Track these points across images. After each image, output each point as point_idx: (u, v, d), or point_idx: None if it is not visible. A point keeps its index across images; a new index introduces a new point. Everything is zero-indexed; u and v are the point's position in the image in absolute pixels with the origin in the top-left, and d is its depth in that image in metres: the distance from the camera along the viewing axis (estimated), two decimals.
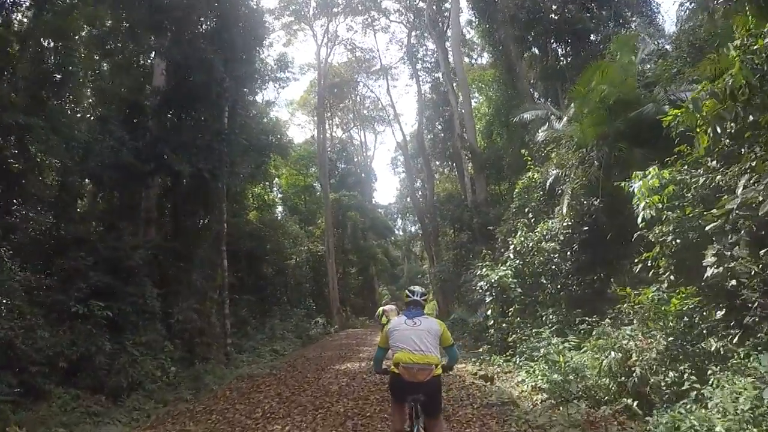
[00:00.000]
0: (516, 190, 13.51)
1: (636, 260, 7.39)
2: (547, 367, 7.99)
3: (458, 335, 16.73)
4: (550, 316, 9.91)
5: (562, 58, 20.51)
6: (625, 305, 7.23)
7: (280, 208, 40.83)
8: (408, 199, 38.02)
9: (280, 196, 41.90)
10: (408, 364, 3.82)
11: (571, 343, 8.37)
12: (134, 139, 14.07)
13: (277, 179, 39.01)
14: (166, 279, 14.99)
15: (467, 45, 28.93)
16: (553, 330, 9.07)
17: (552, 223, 10.83)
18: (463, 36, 27.02)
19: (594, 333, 7.92)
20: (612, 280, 9.38)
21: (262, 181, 33.19)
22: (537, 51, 21.85)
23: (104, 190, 15.54)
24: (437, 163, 30.41)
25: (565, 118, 13.02)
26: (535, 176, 12.78)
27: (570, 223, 10.45)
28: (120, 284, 10.71)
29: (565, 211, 10.35)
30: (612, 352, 6.54)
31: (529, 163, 13.35)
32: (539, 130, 13.82)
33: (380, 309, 15.39)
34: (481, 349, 11.86)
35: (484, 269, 11.08)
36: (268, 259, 28.07)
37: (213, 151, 15.99)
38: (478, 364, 11.04)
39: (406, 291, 4.41)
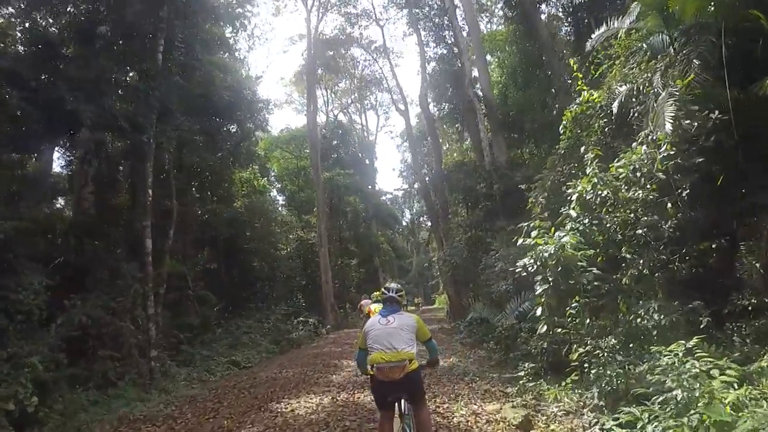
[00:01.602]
0: (564, 122, 9.01)
1: None
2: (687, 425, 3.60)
3: (476, 342, 12.38)
4: (654, 316, 5.44)
5: None
6: None
7: (275, 196, 36.87)
8: (414, 179, 33.37)
9: (277, 185, 37.81)
10: (381, 364, 3.78)
11: (729, 372, 3.95)
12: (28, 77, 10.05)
13: (270, 166, 35.06)
14: (77, 268, 10.91)
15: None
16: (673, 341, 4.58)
17: (639, 156, 6.35)
18: None
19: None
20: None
21: (249, 164, 29.23)
22: None
23: None
24: (444, 127, 25.74)
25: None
26: (594, 97, 8.29)
27: (671, 153, 5.98)
28: None
29: (668, 127, 5.88)
30: None
31: (580, 83, 8.86)
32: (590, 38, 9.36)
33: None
34: (521, 371, 7.40)
35: (533, 234, 6.47)
36: (249, 248, 23.92)
37: (137, 94, 11.74)
38: (515, 397, 6.65)
39: (382, 288, 4.36)
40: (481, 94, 18.96)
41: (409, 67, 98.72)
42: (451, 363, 9.92)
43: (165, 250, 15.22)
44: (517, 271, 6.62)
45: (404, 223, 56.89)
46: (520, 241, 6.82)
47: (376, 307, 10.91)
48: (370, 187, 39.99)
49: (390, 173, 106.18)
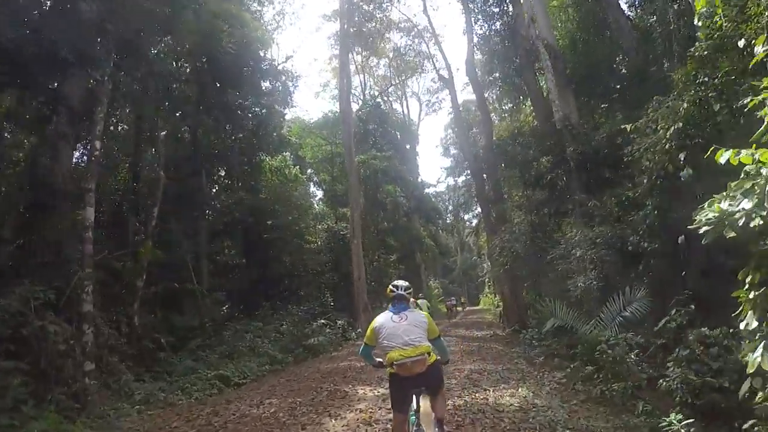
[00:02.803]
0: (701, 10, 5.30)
1: None
2: None
3: (548, 358, 8.75)
4: None
5: None
6: None
7: (313, 191, 34.05)
8: (460, 158, 29.53)
9: (314, 179, 35.04)
10: (401, 360, 3.74)
11: None
12: None
13: (303, 154, 32.30)
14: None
15: None
16: None
17: None
18: None
19: None
20: None
21: (280, 151, 26.58)
22: None
23: None
24: (494, 98, 21.78)
25: None
26: None
27: None
28: None
29: None
30: None
31: None
32: None
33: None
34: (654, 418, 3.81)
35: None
36: (271, 239, 21.06)
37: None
38: None
39: (390, 286, 4.25)
40: (542, 44, 15.12)
41: (453, 37, 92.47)
42: (523, 401, 6.32)
43: (148, 233, 12.45)
44: (702, 231, 3.03)
45: (448, 220, 53.26)
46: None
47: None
48: (411, 178, 36.49)
49: (433, 166, 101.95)
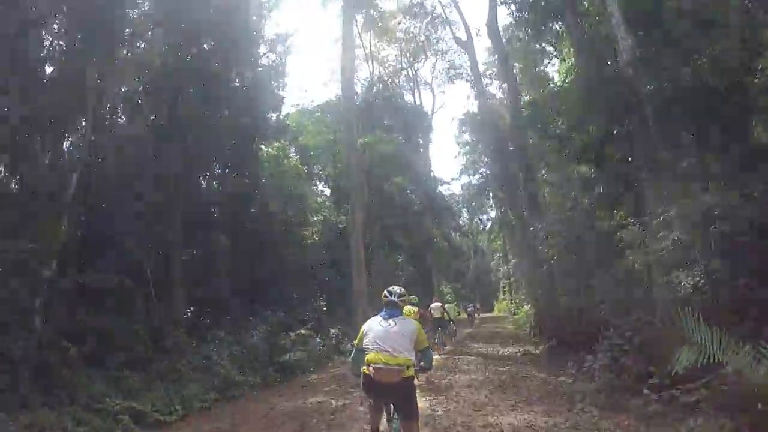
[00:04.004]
0: None
1: None
2: None
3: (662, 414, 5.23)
4: None
5: None
6: None
7: (321, 189, 30.66)
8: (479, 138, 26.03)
9: (319, 173, 31.80)
10: (377, 364, 3.72)
11: None
12: None
13: (304, 143, 29.08)
14: None
15: None
16: None
17: None
18: None
19: None
20: None
21: (278, 137, 23.50)
22: None
23: None
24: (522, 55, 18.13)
25: None
26: None
27: None
28: None
29: None
30: None
31: None
32: None
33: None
34: None
35: None
36: (252, 230, 17.87)
37: None
38: None
39: (385, 291, 4.21)
40: None
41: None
42: None
43: (63, 204, 9.19)
44: None
45: (462, 221, 49.80)
46: None
47: (407, 309, 8.41)
48: (423, 171, 33.04)
49: (446, 166, 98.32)
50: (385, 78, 32.91)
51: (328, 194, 29.96)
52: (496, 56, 16.55)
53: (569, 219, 9.81)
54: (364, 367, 3.81)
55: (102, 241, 12.47)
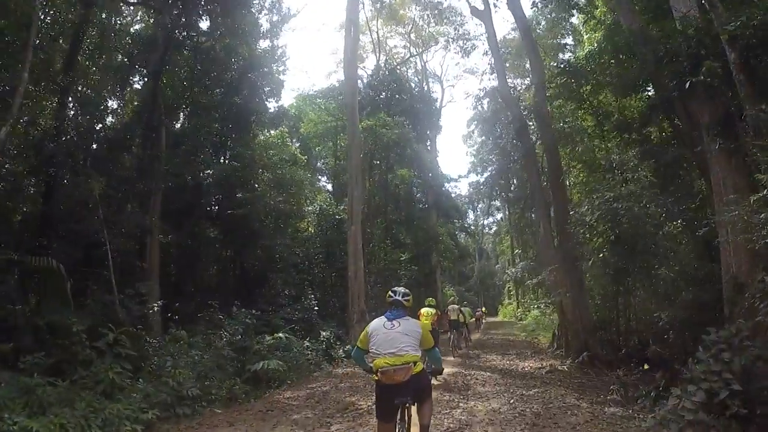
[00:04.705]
0: None
1: None
2: None
3: None
4: None
5: None
6: None
7: (323, 184, 28.67)
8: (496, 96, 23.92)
9: (319, 163, 29.83)
10: (384, 368, 3.69)
11: None
12: None
13: (304, 131, 27.12)
14: None
15: None
16: None
17: None
18: None
19: None
20: None
21: (274, 124, 21.81)
22: None
23: None
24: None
25: None
26: None
27: None
28: None
29: None
30: None
31: None
32: None
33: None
34: None
35: None
36: (237, 216, 15.93)
37: None
38: None
39: (389, 291, 4.19)
40: None
41: None
42: None
43: None
44: None
45: (469, 220, 48.01)
46: None
47: (426, 311, 9.27)
48: (430, 165, 30.94)
49: (454, 164, 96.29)
50: (393, 64, 30.82)
51: (330, 189, 28.09)
52: (517, 32, 14.45)
53: (610, 206, 7.77)
54: (374, 375, 3.79)
55: (62, 219, 10.85)
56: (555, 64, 13.08)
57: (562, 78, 10.54)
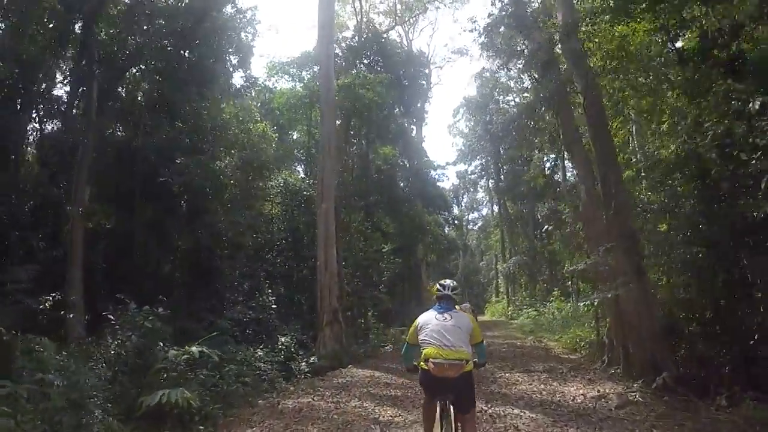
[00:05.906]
0: None
1: None
2: None
3: None
4: None
5: None
6: None
7: (300, 173, 24.68)
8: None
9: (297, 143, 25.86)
10: (437, 359, 3.63)
11: None
12: None
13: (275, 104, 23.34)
14: None
15: None
16: None
17: None
18: None
19: None
20: None
21: (240, 95, 18.32)
22: None
23: None
24: None
25: None
26: None
27: None
28: None
29: None
30: None
31: None
32: None
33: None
34: None
35: None
36: (170, 187, 12.27)
37: None
38: None
39: (437, 285, 4.15)
40: None
41: None
42: None
43: None
44: None
45: (455, 211, 45.05)
46: None
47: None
48: (416, 162, 27.35)
49: (440, 152, 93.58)
50: (378, 32, 27.07)
51: (302, 171, 24.34)
52: None
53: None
54: (422, 363, 3.73)
55: None
56: None
57: None
